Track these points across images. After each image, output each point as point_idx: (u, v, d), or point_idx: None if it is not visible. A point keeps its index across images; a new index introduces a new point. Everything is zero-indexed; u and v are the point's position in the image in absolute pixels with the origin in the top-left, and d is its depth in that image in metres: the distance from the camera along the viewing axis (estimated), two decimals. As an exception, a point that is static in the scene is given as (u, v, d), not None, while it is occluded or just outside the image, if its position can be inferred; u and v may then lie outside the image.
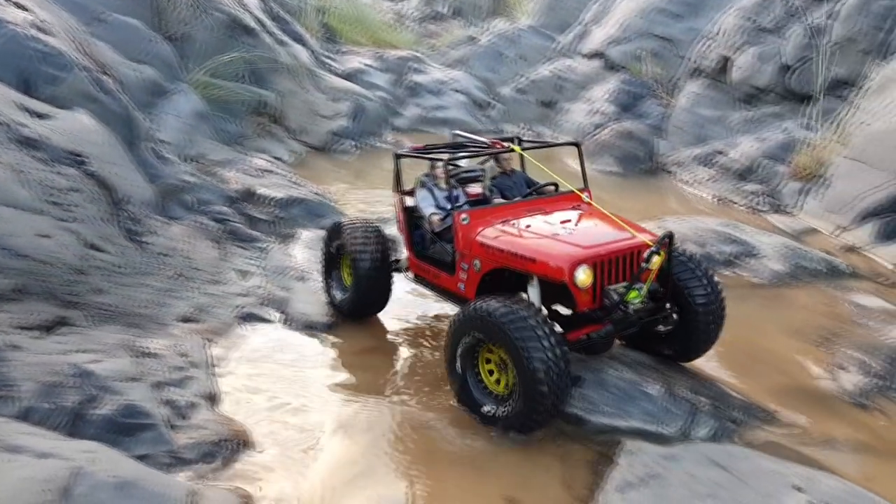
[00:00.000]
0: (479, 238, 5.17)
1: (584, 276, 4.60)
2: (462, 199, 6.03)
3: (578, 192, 5.88)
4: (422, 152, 6.39)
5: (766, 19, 13.13)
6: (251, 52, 13.37)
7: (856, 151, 9.56)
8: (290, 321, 6.49)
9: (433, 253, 5.92)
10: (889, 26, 10.74)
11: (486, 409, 4.75)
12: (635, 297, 4.73)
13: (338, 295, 6.50)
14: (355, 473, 4.37)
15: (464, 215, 5.32)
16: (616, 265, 4.80)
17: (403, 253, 6.46)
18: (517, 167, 6.59)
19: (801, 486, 3.97)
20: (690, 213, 10.36)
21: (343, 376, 5.67)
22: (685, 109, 14.21)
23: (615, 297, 4.75)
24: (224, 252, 7.57)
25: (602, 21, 18.19)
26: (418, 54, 20.24)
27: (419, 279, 6.15)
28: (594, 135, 14.86)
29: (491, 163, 6.62)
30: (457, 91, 18.48)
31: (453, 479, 4.37)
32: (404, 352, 6.14)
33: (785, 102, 12.40)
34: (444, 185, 5.98)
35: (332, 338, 6.30)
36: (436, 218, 5.84)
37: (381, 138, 15.38)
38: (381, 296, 6.34)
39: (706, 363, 5.70)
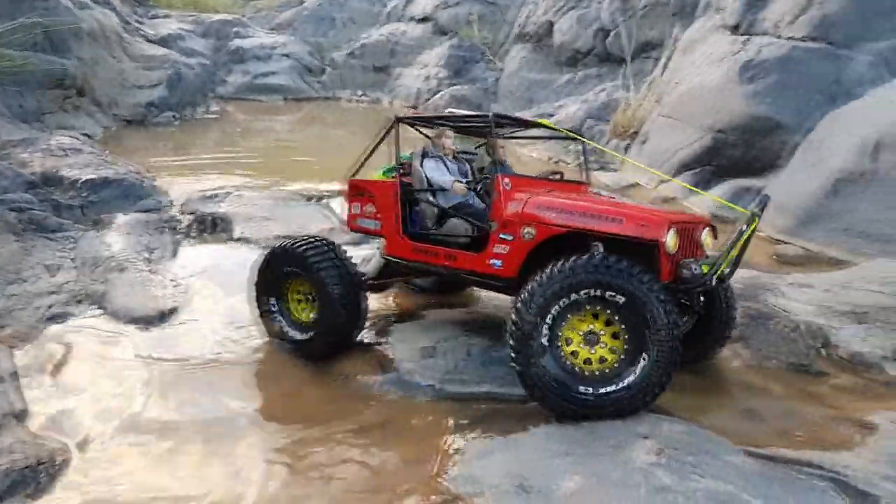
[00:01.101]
0: (535, 202, 4.65)
1: (673, 240, 4.25)
2: (469, 177, 5.63)
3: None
4: (426, 121, 5.88)
5: (584, -16, 13.66)
6: (45, 16, 11.80)
7: (668, 109, 10.22)
8: (111, 316, 5.82)
9: (441, 231, 5.26)
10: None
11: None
12: (710, 271, 4.34)
13: (295, 333, 5.39)
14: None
15: (506, 179, 4.81)
16: (686, 238, 4.49)
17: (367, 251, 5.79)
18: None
19: (646, 433, 4.14)
20: (525, 173, 10.62)
21: (175, 374, 5.17)
22: (514, 73, 14.54)
23: (696, 268, 4.36)
24: (26, 245, 6.64)
25: (430, -16, 18.10)
26: (242, 17, 19.03)
27: (408, 263, 5.32)
28: (429, 99, 14.81)
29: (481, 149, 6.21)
30: (285, 56, 17.66)
31: (298, 485, 4.13)
32: (240, 344, 5.73)
33: (604, 64, 13.03)
34: (451, 158, 5.63)
35: (161, 331, 5.73)
36: (460, 186, 5.26)
37: (205, 108, 14.32)
38: (359, 322, 5.39)
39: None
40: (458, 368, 4.97)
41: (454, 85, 14.99)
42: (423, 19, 17.51)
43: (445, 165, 5.51)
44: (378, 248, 5.72)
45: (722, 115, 8.98)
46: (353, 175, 5.63)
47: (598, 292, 4.08)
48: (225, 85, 16.22)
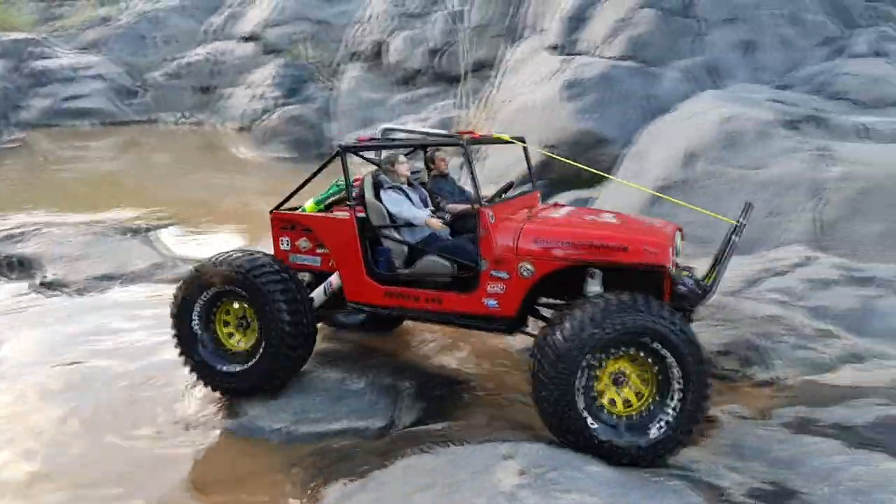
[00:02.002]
0: (529, 235, 4.26)
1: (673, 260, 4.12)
2: (430, 204, 5.17)
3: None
4: (371, 144, 5.16)
5: (412, 5, 13.82)
6: None
7: (502, 126, 10.51)
8: None
9: (417, 272, 4.68)
10: (513, 12, 11.99)
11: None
12: (708, 285, 4.25)
13: (223, 366, 4.72)
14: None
15: (489, 212, 4.34)
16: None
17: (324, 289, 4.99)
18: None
19: (508, 454, 4.07)
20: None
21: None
22: (349, 93, 14.36)
23: (689, 282, 4.20)
24: None
25: (255, 2, 17.50)
26: (41, 37, 17.26)
27: (380, 309, 4.75)
28: (261, 120, 14.24)
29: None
30: (97, 77, 16.21)
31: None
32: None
33: (438, 83, 13.22)
34: (405, 184, 5.03)
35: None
36: (435, 221, 4.75)
37: (2, 136, 12.75)
38: (306, 355, 4.82)
39: (408, 348, 5.67)
40: (310, 407, 4.65)
41: (286, 105, 14.52)
42: (250, 38, 16.85)
43: (407, 196, 4.93)
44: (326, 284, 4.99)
45: (552, 131, 9.36)
46: (279, 208, 5.10)
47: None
48: (27, 110, 14.56)
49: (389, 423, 4.64)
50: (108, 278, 7.34)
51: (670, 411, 3.90)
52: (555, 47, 10.62)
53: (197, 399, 4.91)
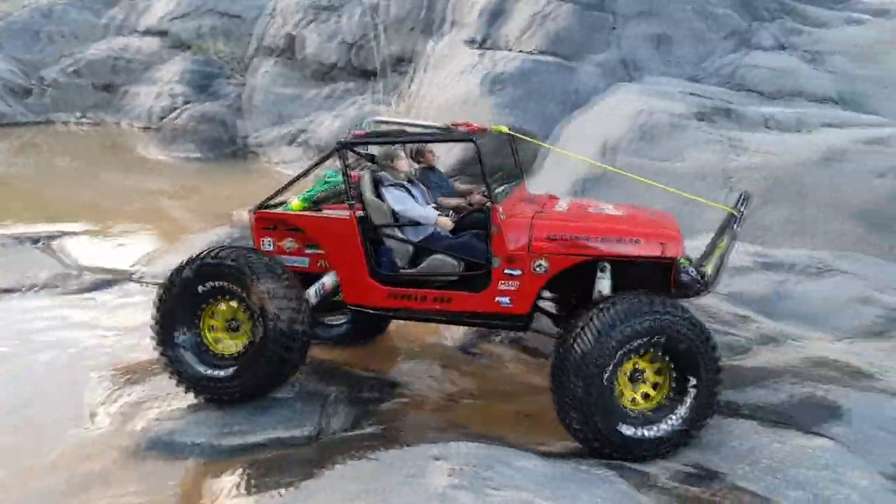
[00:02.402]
0: (542, 231, 4.23)
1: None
2: (431, 201, 5.01)
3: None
4: (372, 140, 4.89)
5: (325, -3, 13.52)
6: None
7: (427, 120, 10.44)
8: None
9: (424, 272, 4.53)
10: (429, 5, 11.91)
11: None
12: (711, 276, 4.26)
13: (205, 370, 4.45)
14: None
15: (500, 209, 4.26)
16: None
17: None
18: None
19: (439, 455, 4.00)
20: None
21: None
22: (262, 88, 13.93)
23: (691, 271, 4.19)
24: None
25: (158, -6, 16.73)
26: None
27: (383, 311, 4.59)
28: (169, 119, 13.62)
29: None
30: (-16, 75, 15.11)
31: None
32: None
33: (356, 78, 12.99)
34: (406, 181, 4.84)
35: None
36: (446, 220, 4.58)
37: None
38: (301, 358, 4.55)
39: (336, 352, 5.52)
40: (233, 418, 4.43)
41: (196, 102, 13.94)
42: (154, 32, 16.09)
43: (410, 193, 4.77)
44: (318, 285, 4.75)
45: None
46: (263, 207, 4.82)
47: (657, 338, 3.90)
48: None
49: (318, 430, 4.49)
50: (6, 291, 6.83)
51: (687, 402, 4.01)
52: (473, 42, 10.62)
53: (106, 416, 4.61)
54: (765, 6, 10.46)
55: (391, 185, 4.75)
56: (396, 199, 4.66)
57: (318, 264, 4.75)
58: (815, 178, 6.74)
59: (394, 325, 5.99)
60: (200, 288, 4.41)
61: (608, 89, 9.15)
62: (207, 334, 4.56)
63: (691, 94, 8.59)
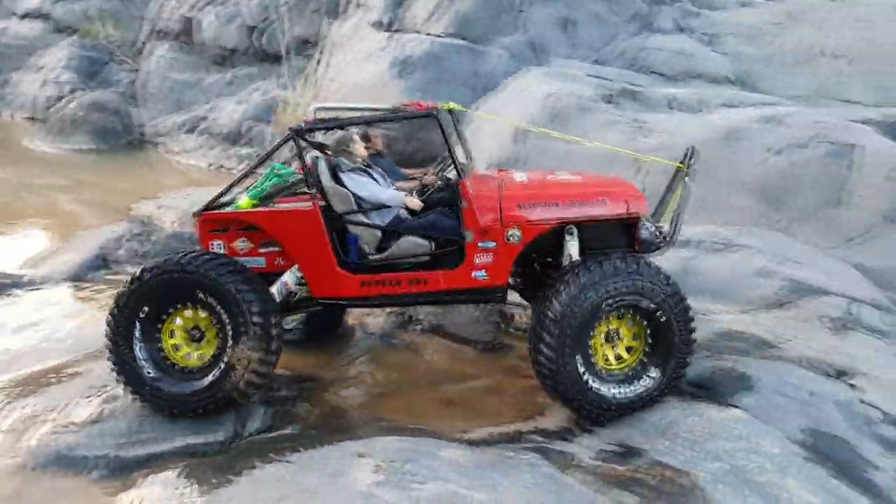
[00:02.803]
0: (512, 201, 4.29)
1: None
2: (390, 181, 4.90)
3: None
4: (328, 125, 4.56)
5: (222, -22, 12.91)
6: None
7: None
8: None
9: (392, 255, 4.42)
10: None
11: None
12: (670, 231, 4.40)
13: (180, 387, 4.17)
14: None
15: (469, 183, 4.29)
16: None
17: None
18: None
19: (362, 451, 3.89)
20: (189, 185, 9.67)
21: None
22: (157, 74, 13.20)
23: (651, 227, 4.34)
24: None
25: (37, -26, 15.51)
26: None
27: (357, 301, 4.47)
28: (57, 108, 12.70)
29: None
30: None
31: None
32: None
33: (258, 63, 12.51)
34: (363, 165, 4.69)
35: None
36: (414, 200, 4.53)
37: None
38: (276, 359, 4.37)
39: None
40: (139, 427, 4.14)
41: (85, 90, 13.05)
42: (33, 15, 14.93)
43: (372, 177, 4.63)
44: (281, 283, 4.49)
45: (382, 111, 9.20)
46: (208, 209, 4.52)
47: (633, 300, 4.06)
48: None
49: (233, 435, 4.26)
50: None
51: (660, 362, 4.22)
52: (380, 24, 10.40)
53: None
54: (665, -11, 10.78)
55: (350, 171, 4.58)
56: (359, 185, 4.51)
57: (276, 262, 4.56)
58: (717, 156, 6.97)
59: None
60: (164, 299, 4.19)
61: (517, 73, 9.17)
62: (168, 345, 4.31)
63: (597, 77, 8.73)
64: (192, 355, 4.33)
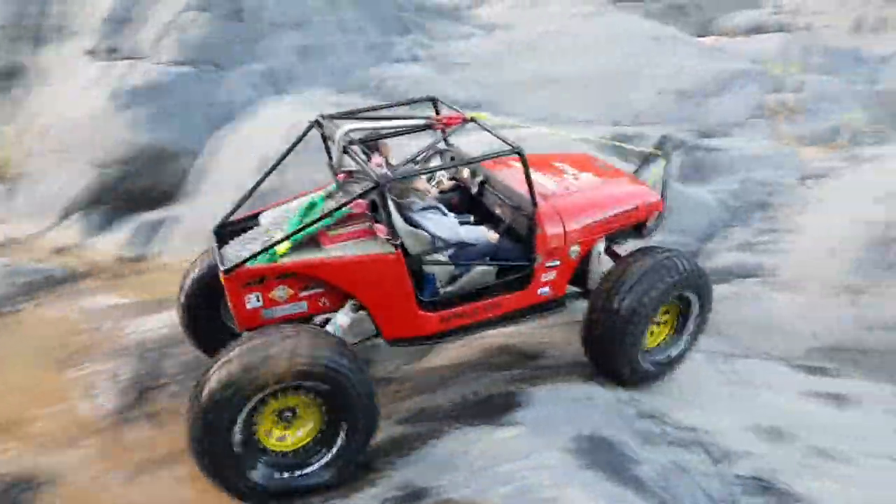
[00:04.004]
0: (569, 217, 4.53)
1: None
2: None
3: None
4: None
5: None
6: None
7: (48, 144, 8.83)
8: None
9: (464, 287, 4.37)
10: (41, 9, 10.12)
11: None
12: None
13: (294, 475, 3.84)
14: None
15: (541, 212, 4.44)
16: None
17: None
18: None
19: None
20: None
21: None
22: None
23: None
24: None
25: None
26: None
27: (436, 338, 4.36)
28: None
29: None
30: None
31: None
32: None
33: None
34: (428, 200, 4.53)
35: None
36: (494, 235, 4.55)
37: None
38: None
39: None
40: None
41: None
42: None
43: (443, 213, 4.47)
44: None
45: (105, 149, 8.09)
46: (242, 264, 3.89)
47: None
48: None
49: None
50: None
51: (686, 335, 4.89)
52: (96, 51, 9.26)
53: None
54: (399, 22, 11.05)
55: (424, 209, 4.39)
56: (440, 226, 4.33)
57: (320, 304, 4.19)
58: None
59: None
60: (271, 388, 3.63)
61: (260, 101, 8.72)
62: (263, 433, 3.82)
63: (341, 106, 8.62)
64: (287, 437, 3.92)
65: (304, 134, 4.57)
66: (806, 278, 6.03)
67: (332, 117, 4.62)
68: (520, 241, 4.51)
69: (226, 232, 4.42)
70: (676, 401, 4.81)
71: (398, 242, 4.01)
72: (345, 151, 4.26)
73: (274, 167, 4.57)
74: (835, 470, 4.30)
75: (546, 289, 4.59)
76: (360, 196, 4.11)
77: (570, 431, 4.15)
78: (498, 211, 4.89)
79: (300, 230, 3.98)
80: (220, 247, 4.20)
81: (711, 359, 5.46)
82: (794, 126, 9.87)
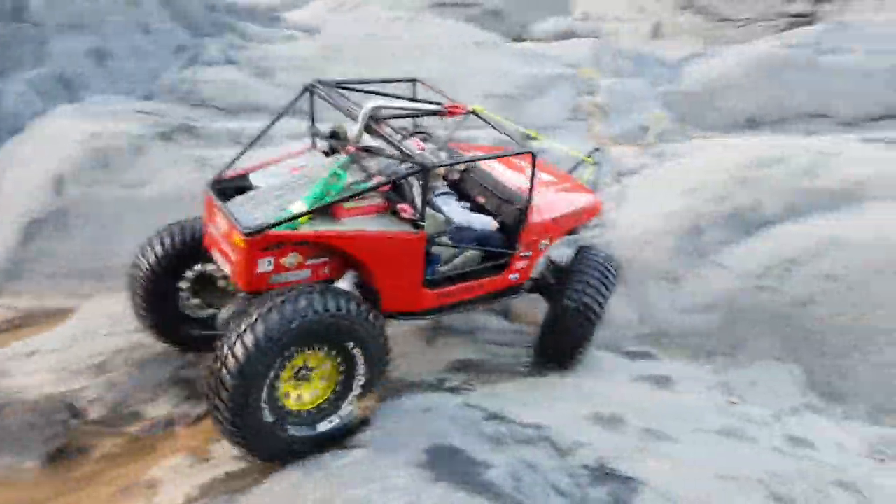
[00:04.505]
0: (543, 213, 5.03)
1: None
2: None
3: None
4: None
5: None
6: None
7: None
8: None
9: (456, 267, 4.70)
10: None
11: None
12: None
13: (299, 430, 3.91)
14: None
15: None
16: None
17: None
18: None
19: None
20: None
21: None
22: None
23: None
24: None
25: None
26: None
27: (428, 312, 4.64)
28: None
29: None
30: None
31: None
32: None
33: None
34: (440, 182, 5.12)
35: None
36: (496, 223, 4.96)
37: None
38: None
39: None
40: None
41: None
42: None
43: (456, 199, 5.10)
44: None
45: None
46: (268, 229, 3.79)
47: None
48: None
49: None
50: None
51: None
52: None
53: None
54: (208, 22, 10.31)
55: (441, 195, 4.97)
56: (454, 211, 4.86)
57: (322, 272, 4.23)
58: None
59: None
60: (295, 347, 3.76)
61: (48, 111, 7.72)
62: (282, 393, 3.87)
63: (148, 112, 7.88)
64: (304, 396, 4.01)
65: (297, 99, 4.60)
66: (627, 269, 6.33)
67: (326, 84, 4.69)
68: (504, 231, 4.90)
69: (221, 189, 4.24)
70: (519, 399, 4.81)
71: (423, 224, 4.20)
72: (367, 128, 4.34)
73: (267, 129, 4.58)
74: (666, 449, 4.49)
75: (516, 275, 5.01)
76: (404, 177, 4.22)
77: (419, 444, 3.97)
78: (482, 199, 5.17)
79: (333, 202, 3.99)
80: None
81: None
82: (607, 126, 10.49)
